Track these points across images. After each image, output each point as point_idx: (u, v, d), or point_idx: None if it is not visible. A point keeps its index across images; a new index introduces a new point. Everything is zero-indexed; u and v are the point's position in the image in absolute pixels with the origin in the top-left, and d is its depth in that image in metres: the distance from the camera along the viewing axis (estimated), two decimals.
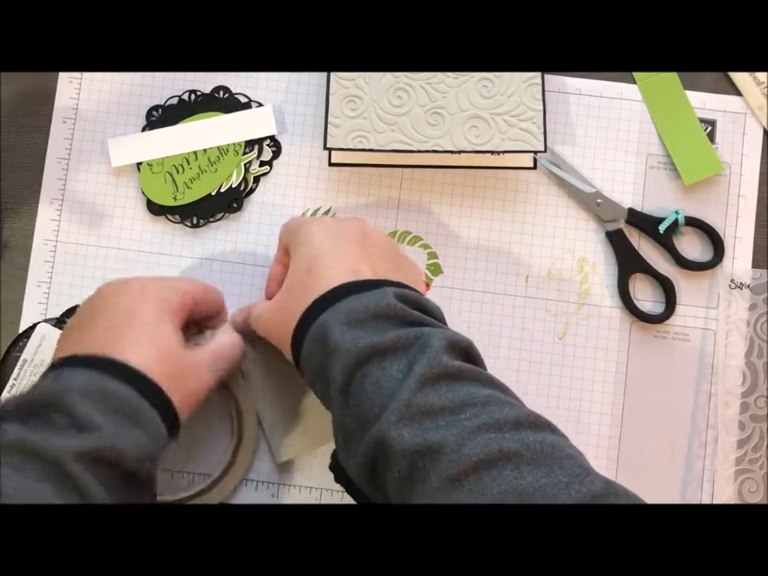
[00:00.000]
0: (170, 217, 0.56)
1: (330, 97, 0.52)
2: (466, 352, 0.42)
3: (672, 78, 0.57)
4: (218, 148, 0.56)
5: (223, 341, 0.48)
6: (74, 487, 0.38)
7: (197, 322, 0.50)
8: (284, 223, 0.50)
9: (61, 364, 0.42)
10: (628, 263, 0.56)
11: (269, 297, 0.51)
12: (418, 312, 0.42)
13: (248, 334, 0.50)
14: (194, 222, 0.56)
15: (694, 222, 0.56)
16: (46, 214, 0.56)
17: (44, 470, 0.37)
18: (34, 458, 0.37)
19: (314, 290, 0.43)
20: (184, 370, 0.44)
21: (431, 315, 0.43)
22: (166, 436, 0.43)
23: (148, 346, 0.43)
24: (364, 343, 0.40)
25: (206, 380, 0.46)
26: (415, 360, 0.39)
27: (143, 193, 0.56)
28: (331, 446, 0.54)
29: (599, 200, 0.56)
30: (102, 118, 0.57)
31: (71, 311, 0.54)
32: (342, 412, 0.41)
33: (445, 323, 0.44)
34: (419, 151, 0.51)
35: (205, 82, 0.57)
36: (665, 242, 0.56)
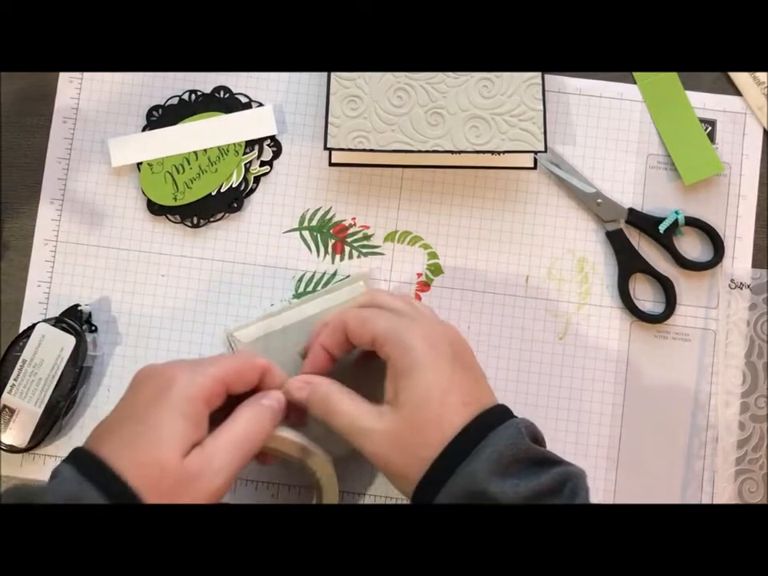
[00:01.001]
0: (170, 217, 0.56)
1: (331, 97, 0.52)
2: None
3: (672, 77, 0.57)
4: (219, 148, 0.56)
5: (240, 427, 0.43)
6: None
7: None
8: (367, 317, 0.46)
9: (72, 455, 0.41)
10: (628, 263, 0.56)
11: (312, 369, 0.47)
12: (536, 444, 0.42)
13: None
14: (195, 222, 0.56)
15: (694, 222, 0.56)
16: (46, 214, 0.56)
17: None
18: None
19: (439, 433, 0.42)
20: (177, 485, 0.40)
21: (541, 441, 0.43)
22: None
23: (146, 454, 0.40)
24: (522, 492, 0.39)
25: (213, 486, 0.41)
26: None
27: (143, 193, 0.56)
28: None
29: (599, 200, 0.56)
30: (102, 118, 0.57)
31: (71, 311, 0.54)
32: None
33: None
34: (419, 151, 0.51)
35: (205, 82, 0.57)
36: (665, 241, 0.56)
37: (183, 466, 0.40)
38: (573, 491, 0.40)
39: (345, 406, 0.44)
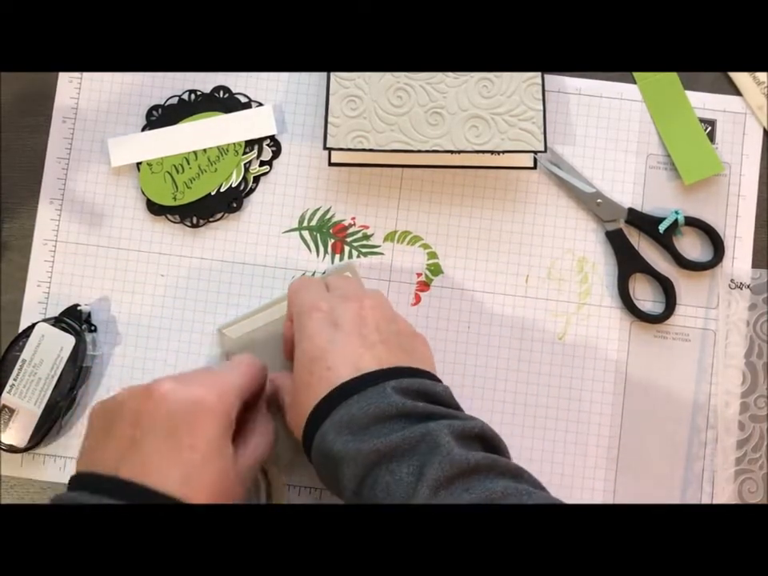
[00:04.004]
0: (169, 217, 0.56)
1: (330, 97, 0.52)
2: (480, 437, 0.41)
3: (672, 77, 0.57)
4: (218, 148, 0.56)
5: (261, 444, 0.45)
6: None
7: None
8: (290, 286, 0.50)
9: (80, 483, 0.39)
10: (628, 263, 0.56)
11: (286, 355, 0.51)
12: (423, 402, 0.42)
13: None
14: (194, 221, 0.56)
15: (693, 222, 0.56)
16: (45, 214, 0.56)
17: None
18: None
19: (315, 392, 0.43)
20: (233, 494, 0.41)
21: (437, 401, 0.42)
22: None
23: (213, 479, 0.39)
24: (368, 449, 0.39)
25: (241, 492, 0.42)
26: (425, 462, 0.39)
27: (143, 193, 0.56)
28: None
29: (599, 200, 0.56)
30: (101, 118, 0.57)
31: (71, 311, 0.54)
32: None
33: (454, 404, 0.43)
34: (419, 151, 0.51)
35: (205, 81, 0.57)
36: (665, 241, 0.56)
37: (237, 471, 0.41)
38: (430, 448, 0.39)
39: (284, 395, 0.48)
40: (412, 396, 0.42)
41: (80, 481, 0.39)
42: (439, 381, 0.45)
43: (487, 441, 0.42)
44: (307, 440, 0.44)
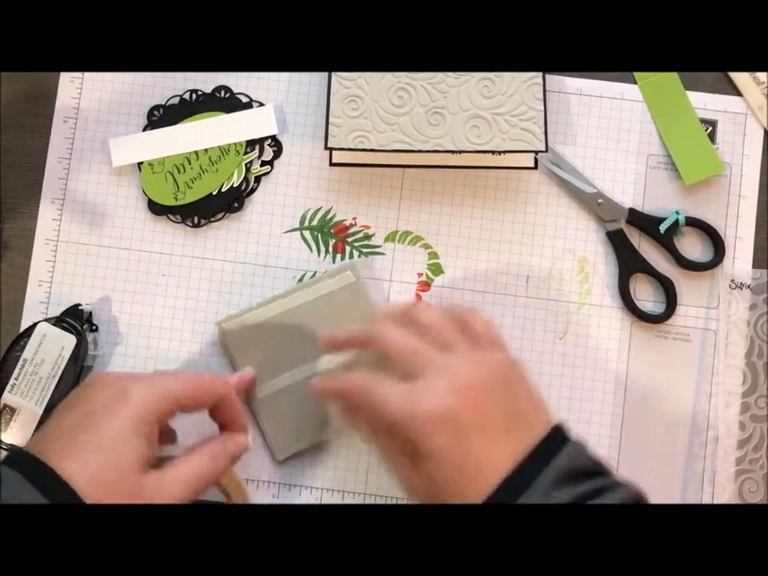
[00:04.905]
0: (171, 216, 0.56)
1: (331, 97, 0.52)
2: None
3: (672, 77, 0.57)
4: (219, 148, 0.56)
5: (198, 464, 0.43)
6: None
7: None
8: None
9: (14, 458, 0.40)
10: (629, 263, 0.56)
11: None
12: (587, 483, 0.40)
13: None
14: (195, 221, 0.56)
15: (694, 223, 0.56)
16: (46, 214, 0.56)
17: None
18: None
19: (464, 496, 0.39)
20: (131, 498, 0.39)
21: (595, 475, 0.41)
22: None
23: (101, 462, 0.39)
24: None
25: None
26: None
27: (144, 192, 0.56)
28: (331, 446, 0.54)
29: (600, 200, 0.56)
30: (103, 118, 0.57)
31: (72, 310, 0.54)
32: None
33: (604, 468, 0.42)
34: (420, 151, 0.51)
35: (206, 81, 0.57)
36: (665, 242, 0.56)
37: (141, 481, 0.40)
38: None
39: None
40: (573, 481, 0.39)
41: (9, 456, 0.41)
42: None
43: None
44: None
